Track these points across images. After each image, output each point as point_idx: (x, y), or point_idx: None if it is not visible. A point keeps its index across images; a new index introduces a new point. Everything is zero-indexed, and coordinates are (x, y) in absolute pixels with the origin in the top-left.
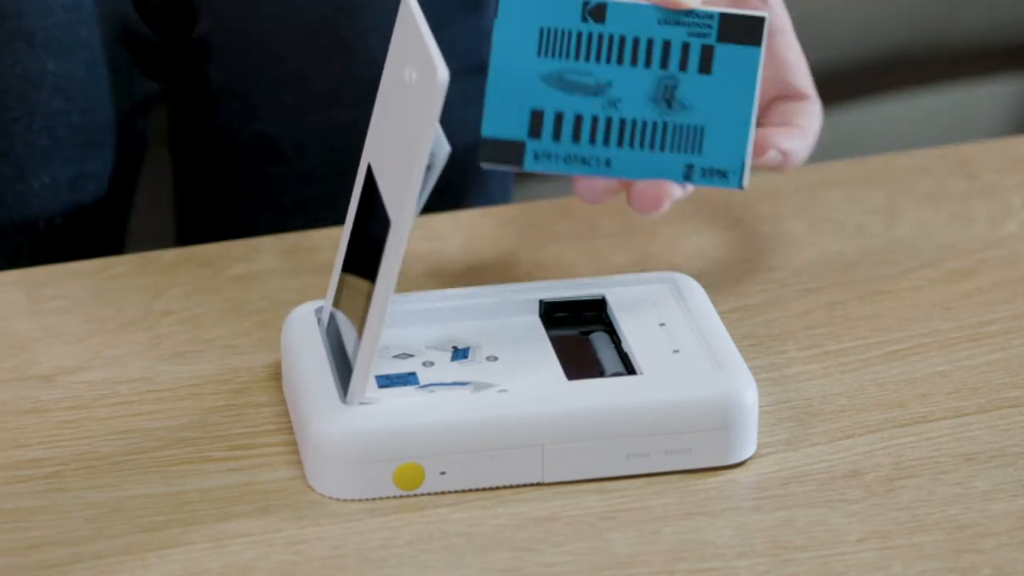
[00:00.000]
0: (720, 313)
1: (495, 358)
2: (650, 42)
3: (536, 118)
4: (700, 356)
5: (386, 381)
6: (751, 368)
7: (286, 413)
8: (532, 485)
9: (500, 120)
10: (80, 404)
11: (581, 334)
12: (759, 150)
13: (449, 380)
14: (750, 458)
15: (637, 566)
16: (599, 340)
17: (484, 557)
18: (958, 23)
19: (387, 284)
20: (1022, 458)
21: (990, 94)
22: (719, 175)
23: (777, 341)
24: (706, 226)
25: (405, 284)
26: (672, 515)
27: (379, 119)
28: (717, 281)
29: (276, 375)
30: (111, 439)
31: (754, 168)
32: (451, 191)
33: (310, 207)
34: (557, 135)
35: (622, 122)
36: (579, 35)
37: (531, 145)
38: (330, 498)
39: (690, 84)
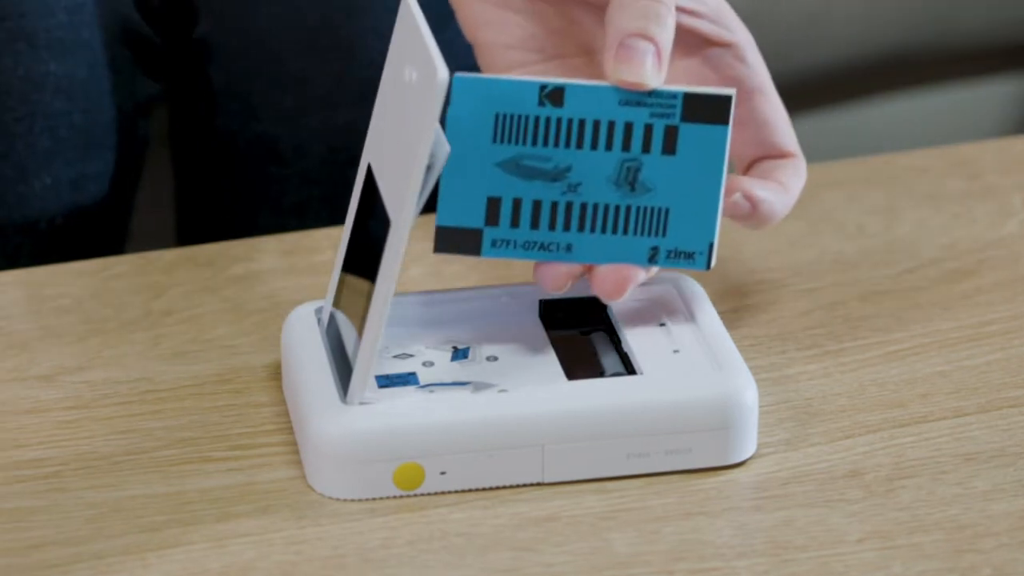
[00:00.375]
0: (720, 313)
1: (495, 358)
2: (611, 124)
3: (493, 205)
4: (700, 356)
5: (386, 381)
6: (751, 368)
7: (286, 413)
8: (532, 485)
9: (455, 209)
10: (80, 404)
11: (581, 334)
12: (725, 193)
13: (449, 380)
14: (750, 458)
15: (637, 566)
16: (599, 340)
17: (484, 557)
18: (958, 23)
19: (387, 284)
20: (1022, 458)
21: (990, 94)
22: (685, 256)
23: (777, 341)
24: None
25: (405, 284)
26: (672, 515)
27: (379, 119)
28: (717, 281)
29: (276, 375)
30: (111, 439)
31: (724, 219)
32: None
33: (310, 207)
34: (515, 222)
35: (583, 207)
36: (536, 120)
37: (489, 232)
38: (330, 498)
39: (654, 165)
